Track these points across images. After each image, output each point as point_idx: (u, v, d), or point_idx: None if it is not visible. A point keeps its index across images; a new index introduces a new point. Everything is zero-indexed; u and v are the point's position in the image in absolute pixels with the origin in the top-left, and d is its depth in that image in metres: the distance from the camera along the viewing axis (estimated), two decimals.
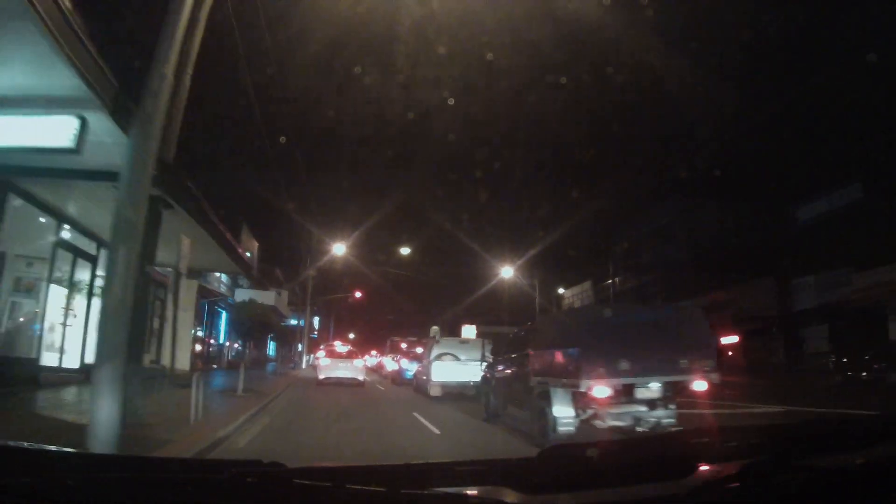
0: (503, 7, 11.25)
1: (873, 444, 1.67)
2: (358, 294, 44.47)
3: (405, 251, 37.81)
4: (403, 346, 28.23)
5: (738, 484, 1.38)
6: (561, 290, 46.43)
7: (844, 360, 18.88)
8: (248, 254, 20.26)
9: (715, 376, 6.91)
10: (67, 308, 11.11)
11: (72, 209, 10.25)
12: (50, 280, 10.42)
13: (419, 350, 22.93)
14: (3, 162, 7.15)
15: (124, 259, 5.01)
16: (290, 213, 28.80)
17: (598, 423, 6.87)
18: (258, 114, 14.08)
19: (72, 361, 11.18)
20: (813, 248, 23.36)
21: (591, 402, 6.70)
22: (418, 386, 18.20)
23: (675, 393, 7.16)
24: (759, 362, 26.22)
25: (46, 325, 10.54)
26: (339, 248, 31.86)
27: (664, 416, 6.90)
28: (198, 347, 22.06)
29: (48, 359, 10.52)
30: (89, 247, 11.59)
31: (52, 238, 10.45)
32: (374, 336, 60.88)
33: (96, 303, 11.22)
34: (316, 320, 51.05)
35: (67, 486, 1.28)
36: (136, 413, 6.67)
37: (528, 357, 8.29)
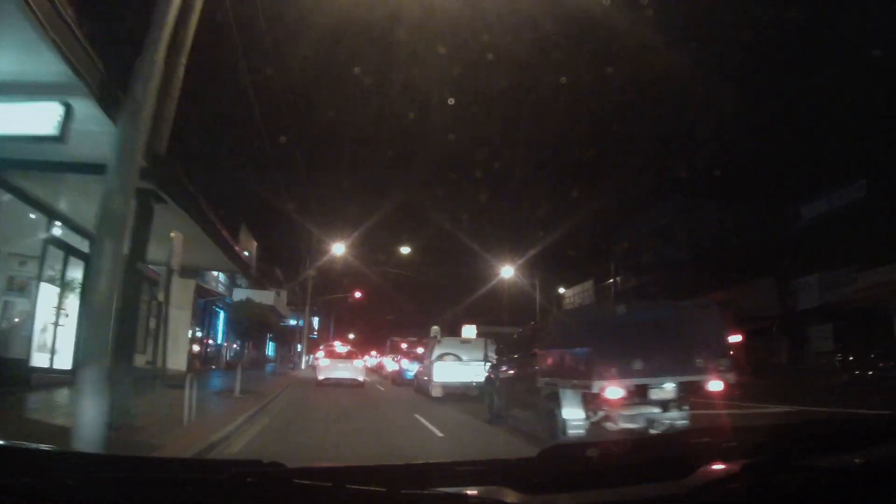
0: (503, 7, 11.14)
1: (875, 445, 1.64)
2: (358, 294, 44.23)
3: (405, 250, 37.63)
4: (404, 346, 27.94)
5: (738, 484, 1.38)
6: (561, 290, 46.18)
7: (851, 358, 18.68)
8: (246, 253, 20.01)
9: (730, 376, 6.63)
10: (59, 307, 10.81)
11: (63, 205, 9.95)
12: (41, 279, 10.12)
13: (420, 350, 22.66)
14: None
15: (110, 253, 4.73)
16: (290, 212, 28.67)
17: (609, 425, 6.57)
18: (258, 113, 13.88)
19: (64, 362, 10.87)
20: (816, 247, 23.20)
21: (603, 404, 6.41)
22: (419, 386, 17.97)
23: (689, 393, 6.88)
24: (761, 362, 25.99)
25: (38, 325, 10.26)
26: (338, 248, 31.78)
27: (678, 418, 6.61)
28: (195, 348, 21.79)
29: (39, 360, 10.23)
30: (81, 244, 11.27)
31: (42, 235, 10.16)
32: (373, 336, 60.68)
33: None
34: (315, 320, 50.76)
35: (67, 486, 1.28)
36: (126, 415, 6.40)
37: (536, 357, 8.00)
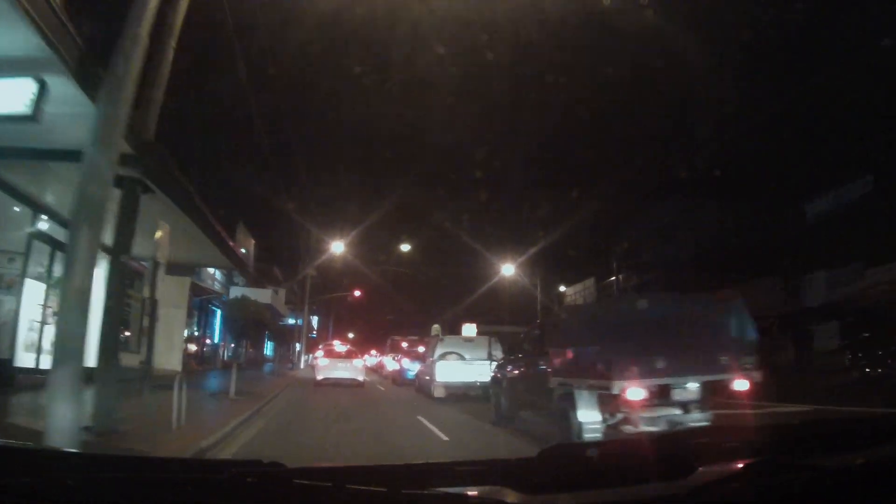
0: (503, 7, 10.84)
1: (879, 444, 1.62)
2: (357, 293, 43.83)
3: (405, 248, 37.25)
4: (404, 345, 27.48)
5: (739, 484, 1.38)
6: (562, 288, 45.79)
7: (860, 355, 18.33)
8: (243, 251, 19.56)
9: (757, 374, 6.19)
10: (45, 305, 10.35)
11: (49, 197, 9.49)
12: (26, 275, 9.67)
13: (421, 349, 22.20)
14: None
15: (87, 241, 4.29)
16: (289, 211, 28.29)
17: (628, 428, 6.12)
18: (257, 113, 13.49)
19: (50, 362, 10.41)
20: (821, 245, 22.88)
21: (623, 406, 5.94)
22: (421, 386, 17.55)
23: (713, 394, 6.45)
24: (765, 361, 25.65)
25: (23, 323, 9.80)
26: (337, 247, 31.41)
27: (701, 420, 6.17)
28: (191, 347, 21.35)
29: (24, 360, 9.79)
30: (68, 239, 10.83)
31: (27, 229, 9.71)
32: (373, 336, 60.16)
33: None
34: (315, 320, 50.29)
35: (67, 486, 1.28)
36: (110, 419, 5.97)
37: (548, 355, 7.55)
